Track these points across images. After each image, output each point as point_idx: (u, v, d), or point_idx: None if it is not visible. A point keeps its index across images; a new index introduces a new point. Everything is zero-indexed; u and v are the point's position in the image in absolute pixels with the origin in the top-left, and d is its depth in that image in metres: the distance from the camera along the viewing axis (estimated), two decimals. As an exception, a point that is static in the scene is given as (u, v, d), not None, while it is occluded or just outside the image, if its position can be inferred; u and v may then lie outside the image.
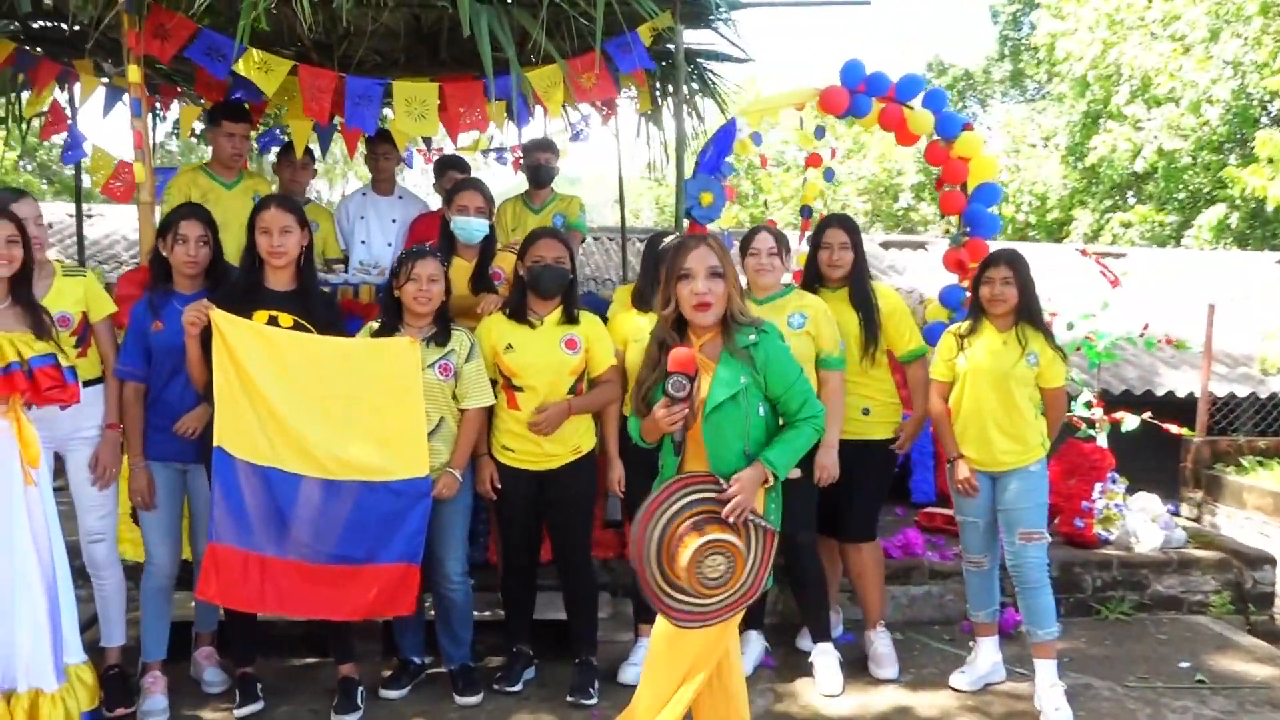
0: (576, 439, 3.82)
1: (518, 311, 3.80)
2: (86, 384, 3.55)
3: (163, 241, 3.67)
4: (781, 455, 2.82)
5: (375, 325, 3.73)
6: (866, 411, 4.16)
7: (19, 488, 3.11)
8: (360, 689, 3.73)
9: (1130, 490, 5.31)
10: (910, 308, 7.67)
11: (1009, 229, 17.55)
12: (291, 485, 3.46)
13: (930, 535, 5.20)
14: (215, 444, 3.39)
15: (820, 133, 6.62)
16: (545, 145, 5.25)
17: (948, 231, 9.26)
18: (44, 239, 3.54)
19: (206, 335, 3.39)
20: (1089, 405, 5.72)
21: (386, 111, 5.15)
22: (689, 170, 5.21)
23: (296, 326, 3.54)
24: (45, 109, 5.31)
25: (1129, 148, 15.40)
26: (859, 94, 5.78)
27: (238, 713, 3.63)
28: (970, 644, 4.19)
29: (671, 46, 5.12)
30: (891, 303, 4.19)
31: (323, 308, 3.65)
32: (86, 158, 5.64)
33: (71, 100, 5.52)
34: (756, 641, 4.21)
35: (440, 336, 3.66)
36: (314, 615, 3.52)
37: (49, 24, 4.66)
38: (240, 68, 4.33)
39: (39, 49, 5.03)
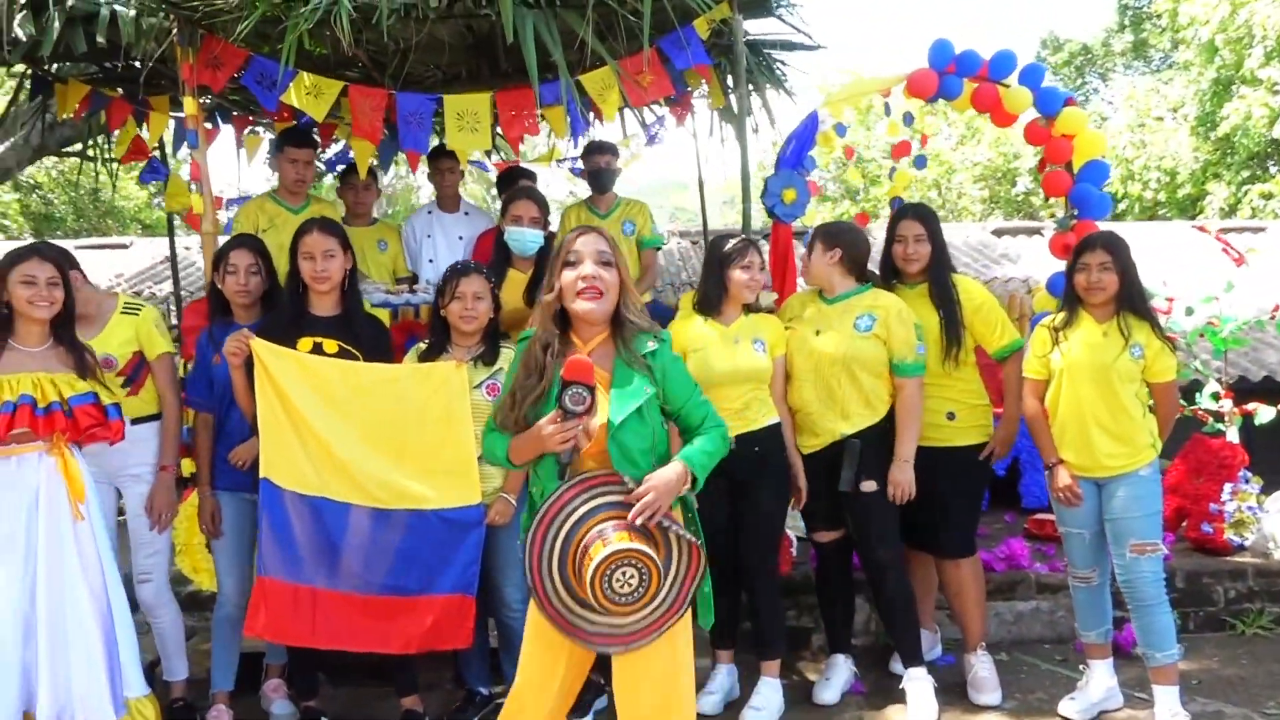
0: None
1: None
2: (137, 421, 3.58)
3: (217, 273, 3.66)
4: (702, 458, 2.50)
5: (424, 346, 3.62)
6: (952, 416, 3.84)
7: (68, 524, 3.11)
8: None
9: (1266, 490, 4.80)
10: (1019, 298, 7.27)
11: (1136, 208, 16.56)
12: (341, 514, 3.37)
13: (1040, 544, 4.80)
14: (261, 475, 3.34)
15: (909, 119, 6.27)
16: (604, 148, 5.08)
17: (1052, 215, 8.66)
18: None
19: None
20: (1216, 397, 5.21)
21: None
22: (755, 167, 4.96)
23: (341, 352, 3.46)
24: (125, 147, 5.42)
25: (1265, 114, 14.29)
26: (949, 75, 5.45)
27: (300, 748, 3.57)
28: (1082, 666, 3.81)
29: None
30: (976, 297, 3.85)
31: (369, 332, 3.55)
32: (165, 180, 5.76)
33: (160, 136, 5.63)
34: (844, 666, 3.93)
35: (488, 355, 3.52)
36: (367, 649, 3.40)
37: (115, 64, 4.71)
38: (291, 94, 4.29)
39: (119, 89, 5.13)
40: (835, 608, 3.97)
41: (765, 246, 4.46)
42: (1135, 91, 18.33)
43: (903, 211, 4.00)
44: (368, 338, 3.52)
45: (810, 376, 3.71)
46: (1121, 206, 16.39)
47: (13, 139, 5.91)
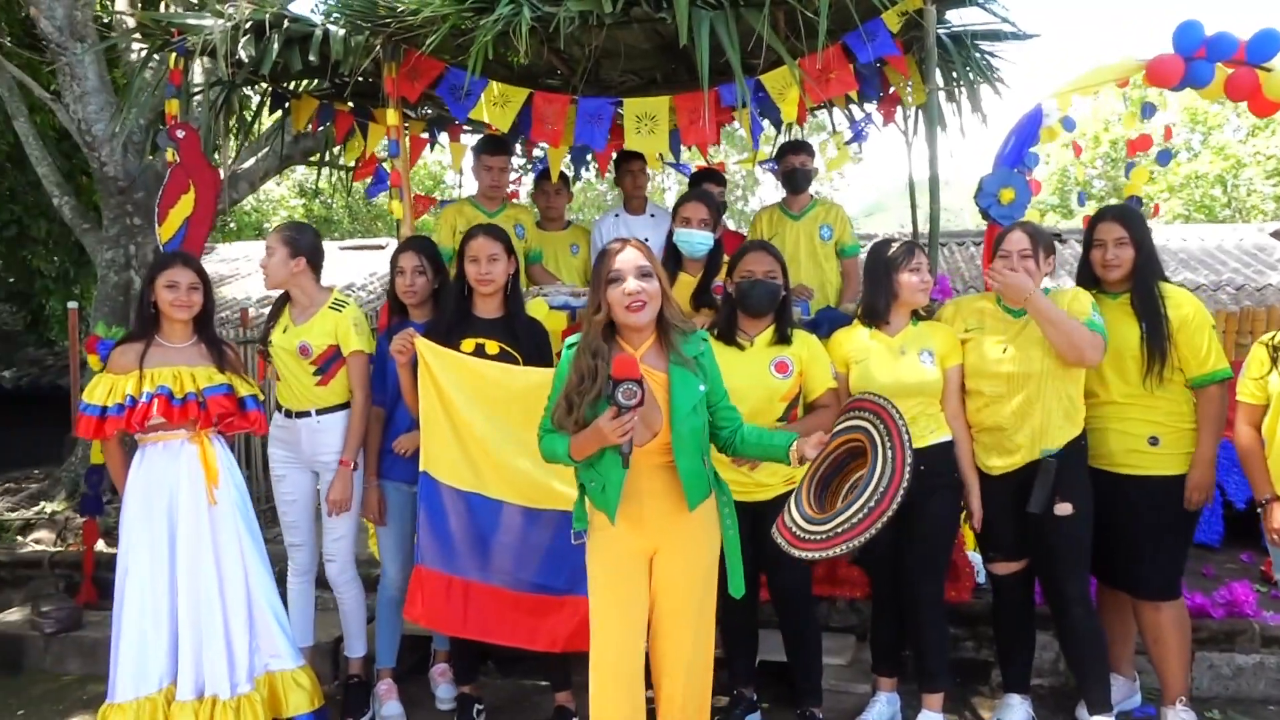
0: (789, 469, 3.48)
1: (726, 332, 3.55)
2: (324, 411, 3.79)
3: (391, 275, 3.86)
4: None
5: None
6: (1155, 441, 3.44)
7: (205, 507, 3.38)
8: (575, 719, 3.66)
9: None
10: (1279, 309, 6.46)
11: None
12: (494, 511, 3.47)
13: (1276, 589, 4.23)
14: (421, 469, 3.50)
15: (1149, 110, 5.72)
16: (798, 148, 4.95)
17: None
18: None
19: None
20: None
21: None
22: (958, 167, 4.66)
23: (502, 354, 3.55)
24: (354, 158, 5.85)
25: None
26: (1197, 60, 4.92)
27: (454, 731, 3.72)
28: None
29: (941, 30, 4.63)
30: (1184, 310, 3.42)
31: (529, 334, 3.63)
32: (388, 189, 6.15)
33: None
34: (1019, 707, 3.62)
35: (642, 360, 3.51)
36: (513, 643, 3.48)
37: (334, 80, 5.09)
38: (481, 105, 4.46)
39: (349, 103, 5.53)
40: (1012, 644, 3.66)
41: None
42: None
43: (1102, 213, 3.64)
44: (528, 340, 3.60)
45: (1004, 391, 3.43)
46: None
47: (261, 151, 6.53)
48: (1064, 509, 3.36)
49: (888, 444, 2.67)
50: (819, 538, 2.67)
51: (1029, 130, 5.18)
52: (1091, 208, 17.87)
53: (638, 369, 2.57)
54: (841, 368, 3.54)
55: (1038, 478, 3.37)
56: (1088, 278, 3.65)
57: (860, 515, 2.58)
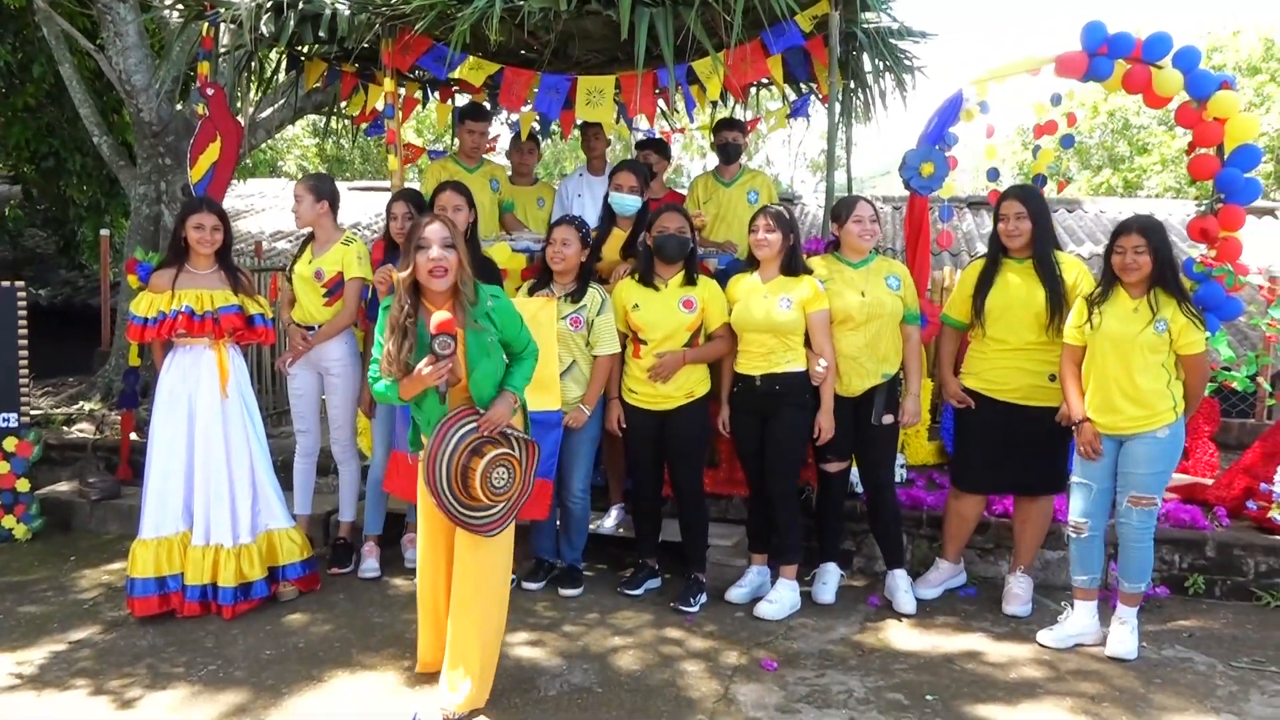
0: (690, 385, 4.41)
1: (645, 276, 4.45)
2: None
3: (386, 219, 4.76)
4: (520, 380, 3.45)
5: (530, 283, 4.57)
6: (1053, 378, 4.30)
7: (217, 400, 4.29)
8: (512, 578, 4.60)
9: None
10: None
11: None
12: (452, 408, 4.38)
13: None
14: (397, 375, 4.40)
15: (1057, 99, 6.50)
16: (732, 124, 5.76)
17: (1197, 198, 8.29)
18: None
19: None
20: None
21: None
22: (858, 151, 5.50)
23: (462, 285, 4.44)
24: (358, 111, 6.69)
25: None
26: (1100, 56, 5.68)
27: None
28: (1064, 602, 4.30)
29: (856, 30, 5.43)
30: (1075, 275, 4.29)
31: (483, 271, 4.46)
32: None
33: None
34: (834, 570, 4.62)
35: (578, 294, 4.41)
36: None
37: (341, 50, 5.91)
38: (460, 70, 5.33)
39: (355, 65, 6.36)
40: (832, 524, 4.66)
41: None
42: None
43: (1007, 192, 4.45)
44: (482, 275, 4.41)
45: (862, 330, 4.35)
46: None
47: (278, 103, 7.38)
48: (889, 419, 4.40)
49: (526, 464, 3.37)
50: (479, 522, 3.30)
51: (949, 113, 5.98)
52: (1003, 184, 18.49)
53: (453, 326, 3.12)
54: (730, 302, 4.45)
55: (877, 396, 4.37)
56: (996, 246, 4.47)
57: (502, 511, 3.35)
